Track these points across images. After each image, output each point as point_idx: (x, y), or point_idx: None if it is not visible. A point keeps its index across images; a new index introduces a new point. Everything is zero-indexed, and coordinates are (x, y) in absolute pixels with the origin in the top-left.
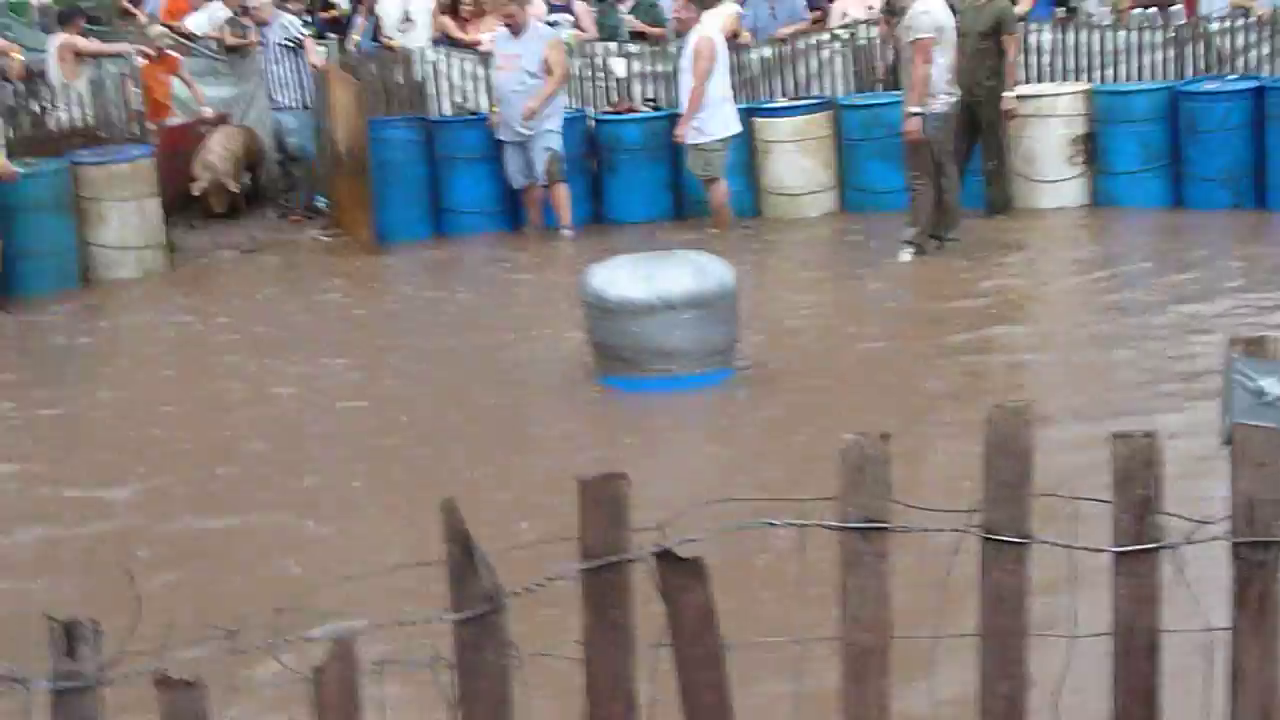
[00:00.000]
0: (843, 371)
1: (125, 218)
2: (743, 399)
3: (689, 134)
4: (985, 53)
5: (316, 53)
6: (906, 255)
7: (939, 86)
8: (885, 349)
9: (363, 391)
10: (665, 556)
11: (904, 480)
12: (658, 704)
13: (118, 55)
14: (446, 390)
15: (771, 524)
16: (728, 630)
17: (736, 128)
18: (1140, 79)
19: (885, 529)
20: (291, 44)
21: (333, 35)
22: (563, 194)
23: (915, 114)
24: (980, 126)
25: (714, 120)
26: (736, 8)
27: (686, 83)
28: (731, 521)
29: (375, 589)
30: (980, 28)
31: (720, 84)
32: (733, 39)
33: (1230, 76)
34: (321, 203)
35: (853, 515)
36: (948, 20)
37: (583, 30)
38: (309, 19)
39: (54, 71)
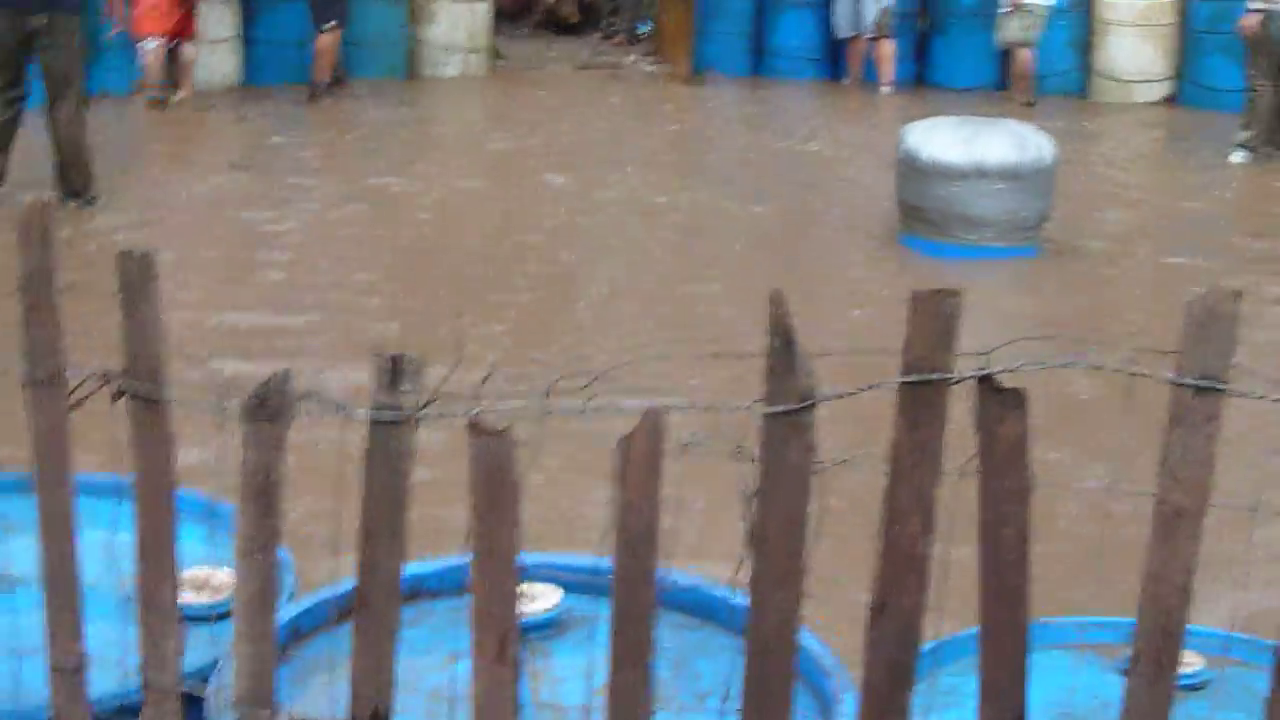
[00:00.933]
0: (1152, 268)
1: (455, 18)
2: (1044, 277)
3: None
4: None
5: None
6: (1238, 157)
7: None
8: (1199, 252)
9: (660, 218)
10: (987, 383)
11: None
12: (953, 530)
13: None
14: (743, 227)
15: (1100, 367)
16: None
17: None
18: None
19: (1222, 390)
20: None
21: None
22: (889, 49)
23: (1256, 10)
24: None
25: None
26: None
27: None
28: (1063, 357)
29: (682, 381)
30: None
31: None
32: None
33: None
34: (645, 29)
35: (1191, 369)
36: None
37: None
38: None
39: None
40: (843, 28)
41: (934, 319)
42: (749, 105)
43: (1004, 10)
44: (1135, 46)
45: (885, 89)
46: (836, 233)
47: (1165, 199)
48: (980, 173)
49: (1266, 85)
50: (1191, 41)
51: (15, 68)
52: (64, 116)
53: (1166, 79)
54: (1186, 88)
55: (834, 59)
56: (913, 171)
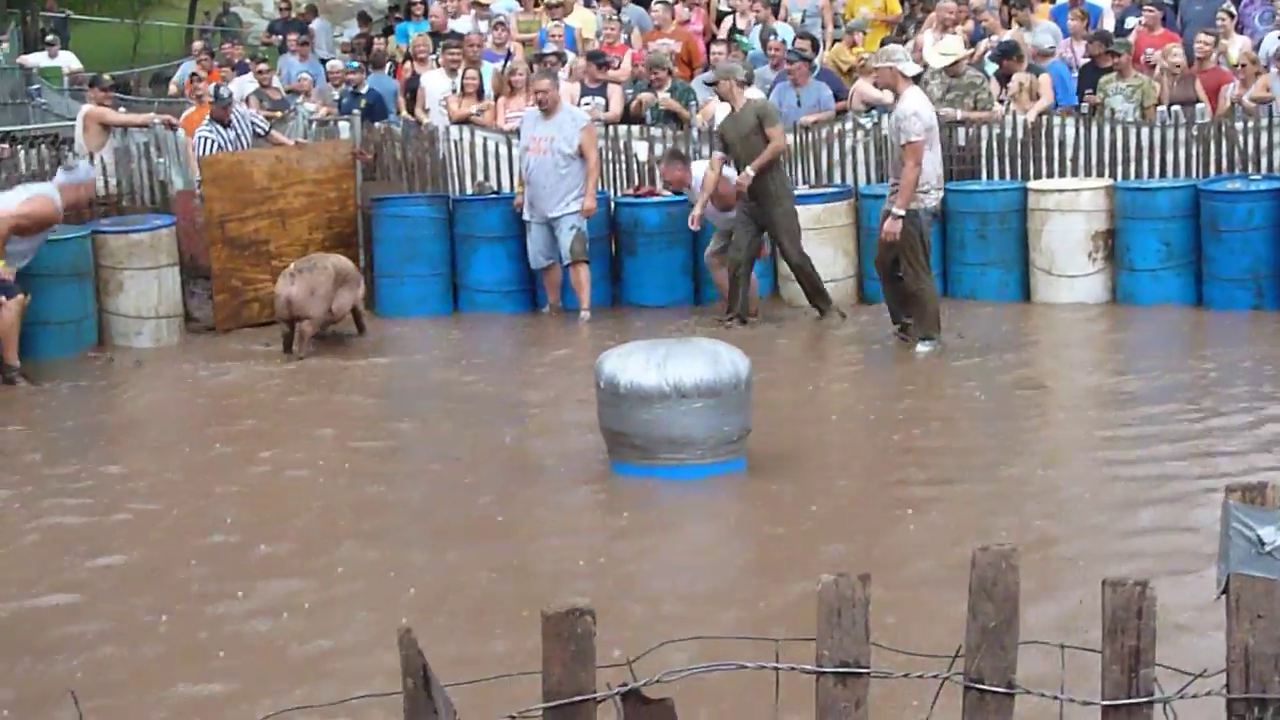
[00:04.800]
0: (856, 470)
1: (143, 287)
2: (752, 492)
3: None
4: (755, 156)
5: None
6: (924, 348)
7: (931, 183)
8: (897, 447)
9: (374, 470)
10: (633, 697)
11: (899, 607)
12: None
13: (144, 126)
14: (457, 471)
15: (744, 666)
16: None
17: None
18: (1163, 176)
19: (863, 674)
20: (260, 133)
21: (355, 111)
22: (584, 275)
23: (899, 216)
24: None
25: None
26: (759, 94)
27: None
28: (703, 664)
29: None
30: (744, 132)
31: None
32: None
33: (1254, 176)
34: None
35: (830, 658)
36: (934, 118)
37: (612, 113)
38: (344, 90)
39: (80, 139)
40: (537, 259)
41: (568, 639)
42: (450, 345)
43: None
44: (815, 250)
45: (584, 314)
46: (546, 468)
47: (858, 397)
48: (679, 394)
49: (923, 274)
50: (868, 240)
51: None
52: None
53: (849, 278)
54: (870, 284)
55: (532, 287)
56: (613, 399)
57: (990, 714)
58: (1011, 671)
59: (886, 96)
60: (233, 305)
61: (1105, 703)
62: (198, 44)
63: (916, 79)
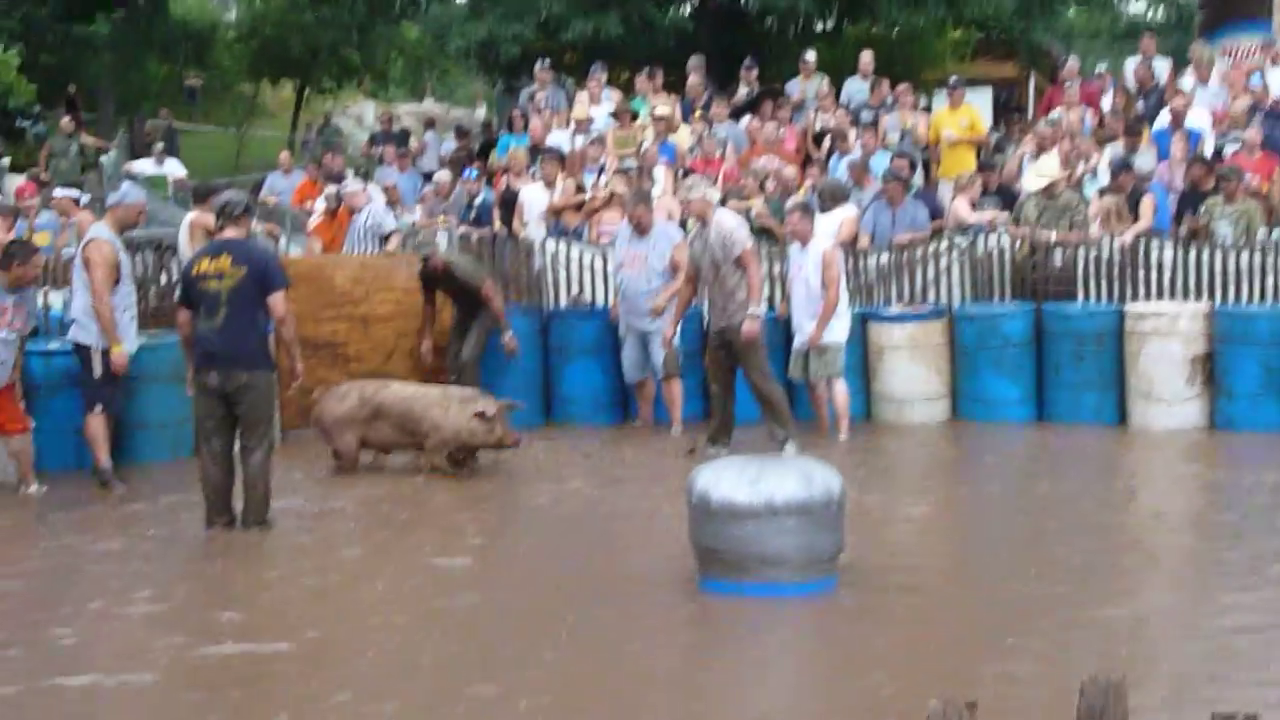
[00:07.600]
0: (945, 590)
1: None
2: (843, 612)
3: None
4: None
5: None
6: (791, 449)
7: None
8: (987, 566)
9: (457, 583)
10: None
11: None
12: None
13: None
14: (541, 583)
15: None
16: None
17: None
18: (1263, 301)
19: None
20: (382, 237)
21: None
22: (677, 390)
23: (756, 315)
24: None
25: (840, 322)
26: (854, 210)
27: (801, 291)
28: None
29: None
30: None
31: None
32: (850, 243)
33: None
34: None
35: None
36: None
37: None
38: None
39: (184, 246)
40: (631, 372)
41: None
42: (541, 456)
43: (800, 349)
44: (909, 369)
45: (676, 429)
46: (633, 583)
47: (948, 517)
48: (771, 511)
49: (774, 380)
50: (962, 359)
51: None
52: (256, 460)
53: (943, 397)
54: (964, 403)
55: (625, 400)
56: (705, 515)
57: None
58: None
59: (980, 218)
60: (301, 404)
61: None
62: (284, 154)
63: (722, 201)
